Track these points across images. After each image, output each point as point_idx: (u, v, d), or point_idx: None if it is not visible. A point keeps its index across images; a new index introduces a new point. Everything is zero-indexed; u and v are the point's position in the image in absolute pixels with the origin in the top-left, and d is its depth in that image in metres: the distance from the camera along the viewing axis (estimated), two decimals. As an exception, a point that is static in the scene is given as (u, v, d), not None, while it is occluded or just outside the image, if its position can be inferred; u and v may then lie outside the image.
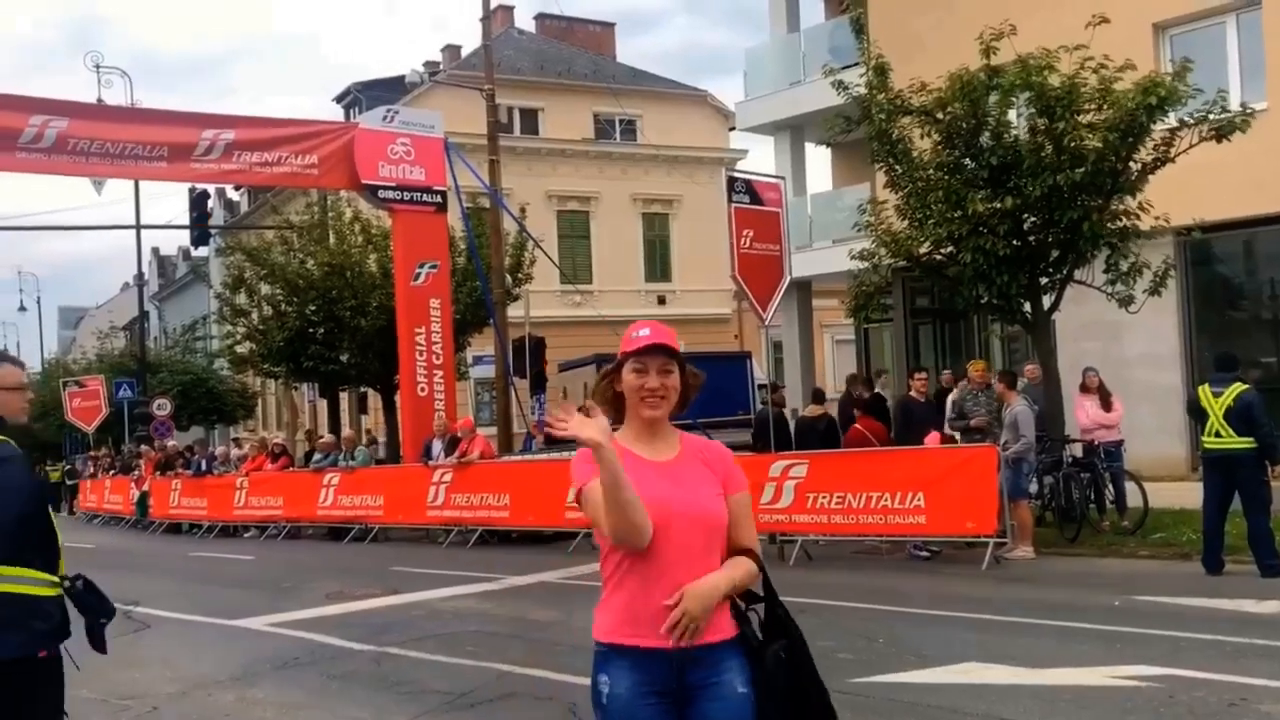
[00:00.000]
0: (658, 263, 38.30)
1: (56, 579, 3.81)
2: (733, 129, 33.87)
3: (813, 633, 8.57)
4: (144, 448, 27.56)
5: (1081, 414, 12.89)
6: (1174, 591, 8.95)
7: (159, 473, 23.87)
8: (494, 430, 21.66)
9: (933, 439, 12.05)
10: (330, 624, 9.63)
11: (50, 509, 3.95)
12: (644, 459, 2.72)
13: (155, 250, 62.97)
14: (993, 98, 12.17)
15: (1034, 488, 12.48)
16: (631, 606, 2.63)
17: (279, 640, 9.06)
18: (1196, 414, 9.99)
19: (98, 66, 28.30)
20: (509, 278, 22.96)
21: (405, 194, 19.01)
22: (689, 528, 2.65)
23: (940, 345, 20.60)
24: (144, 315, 38.53)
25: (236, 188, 41.80)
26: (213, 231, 30.67)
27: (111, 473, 28.61)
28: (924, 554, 11.73)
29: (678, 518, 2.63)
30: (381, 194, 18.94)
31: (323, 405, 30.53)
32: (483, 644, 8.40)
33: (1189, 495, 11.60)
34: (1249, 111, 12.42)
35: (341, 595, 11.30)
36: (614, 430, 2.70)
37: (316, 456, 19.40)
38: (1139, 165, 12.24)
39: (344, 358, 24.36)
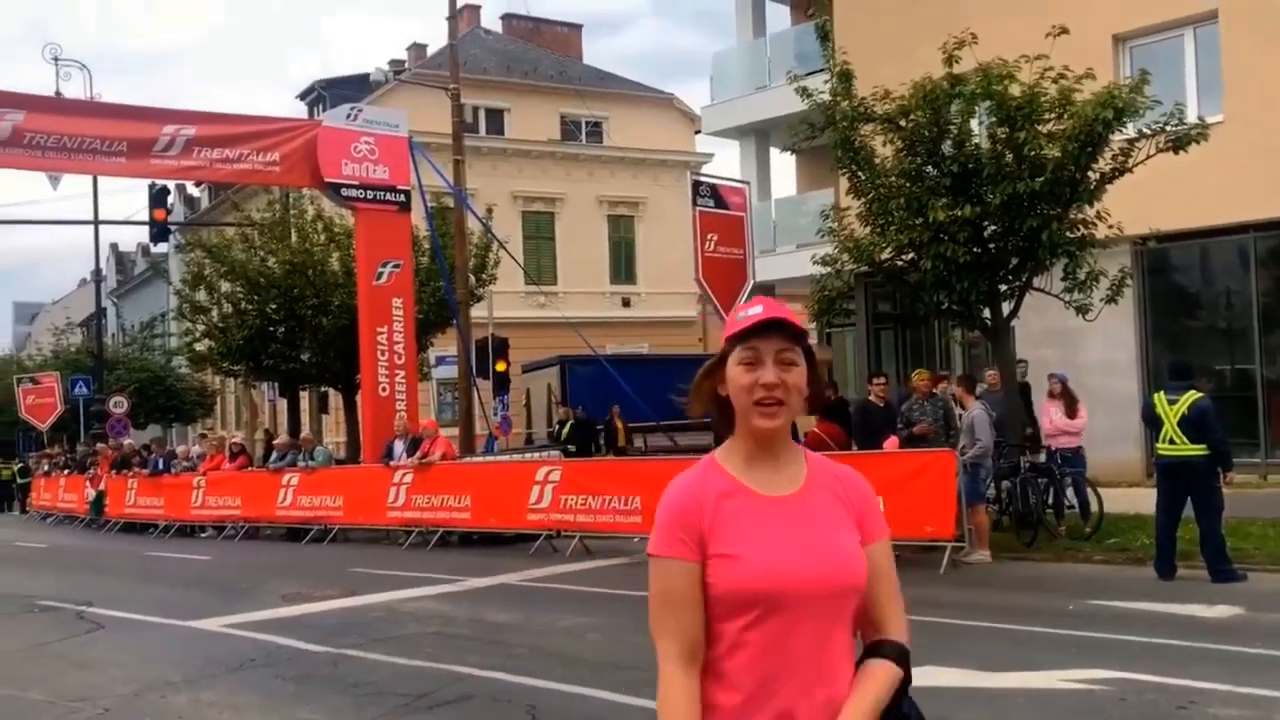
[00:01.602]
0: (623, 265, 38.35)
1: None
2: (699, 132, 34.01)
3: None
4: (100, 446, 27.18)
5: (1045, 420, 13.04)
6: (1127, 596, 9.07)
7: (115, 471, 23.55)
8: (456, 431, 21.57)
9: (892, 443, 12.14)
10: (287, 625, 9.54)
11: None
12: (758, 495, 1.97)
13: (114, 246, 62.18)
14: (954, 106, 12.29)
15: (991, 492, 12.61)
16: (745, 712, 1.92)
17: (234, 642, 8.97)
18: (1151, 421, 10.14)
19: (56, 59, 27.96)
20: (473, 278, 22.88)
21: (368, 193, 18.89)
22: (823, 600, 1.92)
23: (902, 350, 20.76)
24: (101, 311, 38.04)
25: (197, 184, 41.32)
26: (172, 228, 30.34)
27: (66, 471, 28.18)
28: (883, 557, 11.79)
29: (810, 586, 1.90)
30: (344, 192, 18.81)
31: (283, 405, 30.26)
32: (441, 646, 8.36)
33: (1144, 501, 11.76)
34: (1205, 124, 12.63)
35: (299, 596, 11.20)
36: (714, 450, 2.07)
37: (274, 456, 19.23)
38: (1097, 175, 12.41)
39: (305, 357, 24.17)
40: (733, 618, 1.92)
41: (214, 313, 25.47)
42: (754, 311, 1.99)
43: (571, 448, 19.69)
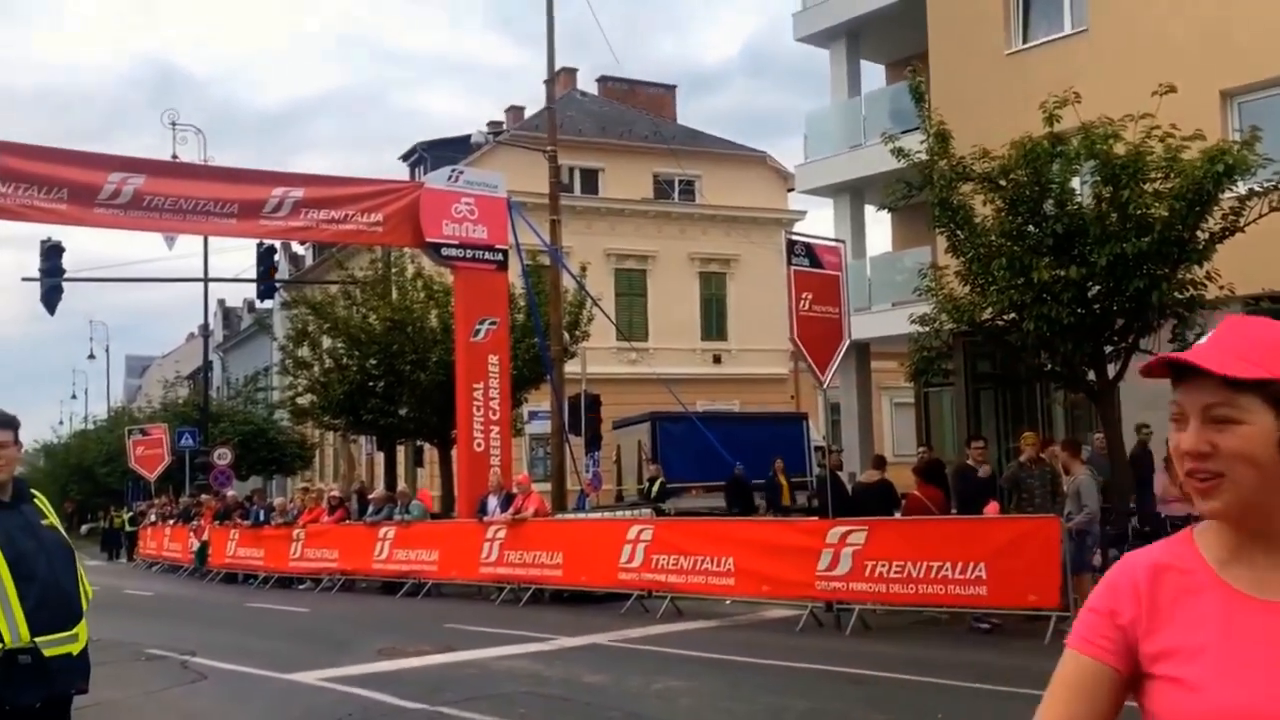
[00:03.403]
0: (714, 321, 38.37)
1: None
2: (791, 190, 34.06)
3: (869, 706, 8.43)
4: (204, 496, 27.95)
5: (1159, 485, 12.59)
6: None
7: (218, 522, 24.17)
8: (548, 487, 21.68)
9: (992, 509, 11.84)
10: (383, 680, 9.62)
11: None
12: (1238, 593, 1.40)
13: (221, 302, 64.33)
14: (1056, 165, 12.10)
15: (1099, 560, 12.18)
16: None
17: (331, 695, 9.07)
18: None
19: (173, 124, 29.26)
20: (566, 335, 23.11)
21: (468, 252, 19.28)
22: None
23: (1002, 411, 20.29)
24: (208, 365, 39.31)
25: (303, 243, 42.68)
26: (278, 285, 31.32)
27: (171, 521, 29.02)
28: (985, 626, 11.46)
29: None
30: (445, 251, 19.22)
31: (380, 458, 30.79)
32: (535, 706, 8.35)
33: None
34: (1320, 181, 12.21)
35: (394, 651, 11.30)
36: (1195, 524, 1.52)
37: (370, 509, 19.53)
38: (1206, 234, 12.08)
39: (402, 411, 24.59)
40: None
41: (316, 368, 26.10)
42: (1202, 343, 1.44)
43: (662, 506, 19.59)
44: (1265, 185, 11.90)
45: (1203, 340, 1.45)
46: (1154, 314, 12.09)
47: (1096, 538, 11.60)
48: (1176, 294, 12.12)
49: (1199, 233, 12.01)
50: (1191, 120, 12.15)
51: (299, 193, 17.98)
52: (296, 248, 49.37)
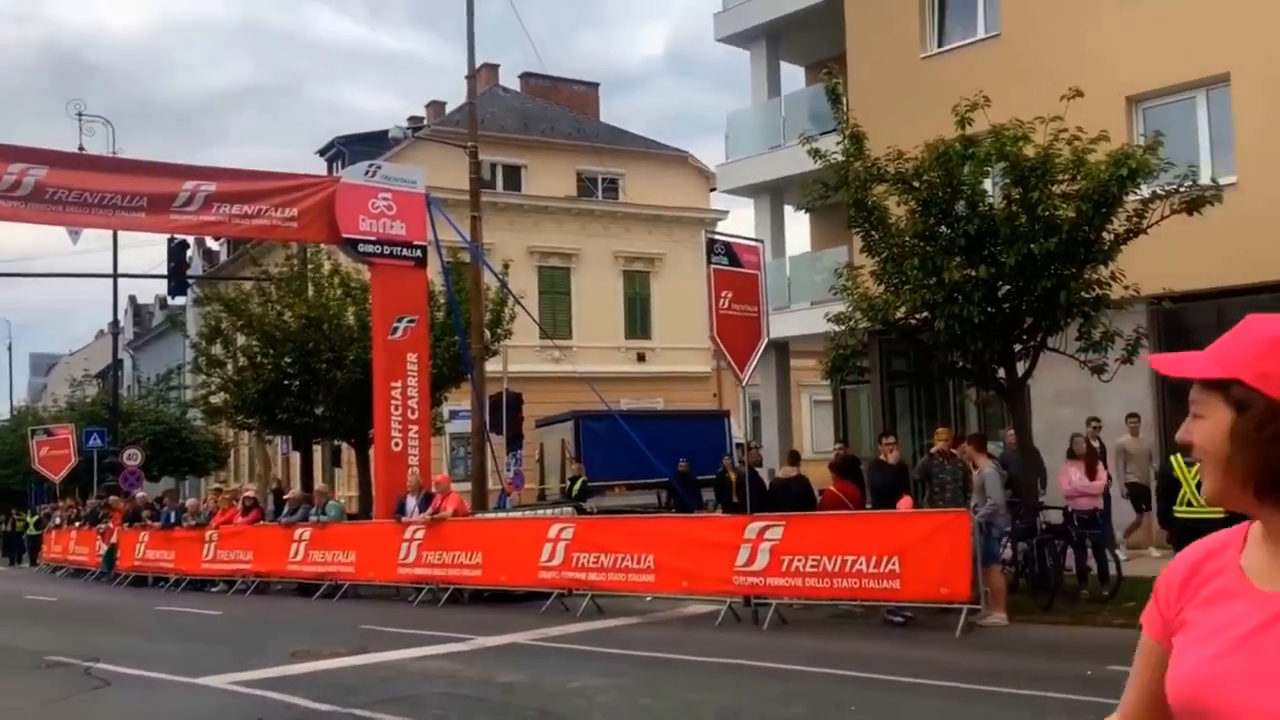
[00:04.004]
0: (638, 320, 38.45)
1: None
2: (714, 190, 34.25)
3: (784, 699, 8.51)
4: (112, 498, 27.18)
5: (1065, 480, 12.93)
6: (1147, 662, 8.90)
7: (127, 524, 23.52)
8: (469, 486, 21.51)
9: (905, 503, 12.05)
10: (295, 683, 9.44)
11: None
12: (1247, 582, 1.49)
13: (132, 298, 62.66)
14: (967, 167, 12.35)
15: (1008, 553, 12.47)
16: None
17: (241, 699, 8.89)
18: (1169, 483, 10.05)
19: (80, 114, 28.41)
20: (488, 333, 22.96)
21: (385, 248, 19.03)
22: None
23: (916, 408, 20.67)
24: (118, 364, 38.24)
25: (216, 239, 41.77)
26: (190, 281, 30.61)
27: (77, 524, 28.17)
28: (899, 619, 11.66)
29: (1228, 715, 1.41)
30: (361, 248, 18.95)
31: (296, 458, 30.26)
32: (451, 706, 8.28)
33: (1162, 564, 11.60)
34: (1219, 185, 12.65)
35: (308, 653, 11.10)
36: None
37: (285, 510, 19.19)
38: (1112, 235, 12.43)
39: (319, 410, 24.21)
40: None
41: (229, 366, 25.58)
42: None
43: (584, 505, 19.56)
44: (1167, 188, 12.29)
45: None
46: (1061, 313, 12.40)
47: (1002, 529, 11.87)
48: (1083, 293, 12.45)
49: (1104, 234, 12.35)
50: (1098, 124, 12.51)
51: (211, 187, 17.58)
52: (210, 243, 48.34)
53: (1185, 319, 16.72)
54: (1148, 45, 16.65)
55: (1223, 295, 15.92)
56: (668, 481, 21.00)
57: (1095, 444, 14.64)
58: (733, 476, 21.30)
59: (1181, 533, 9.89)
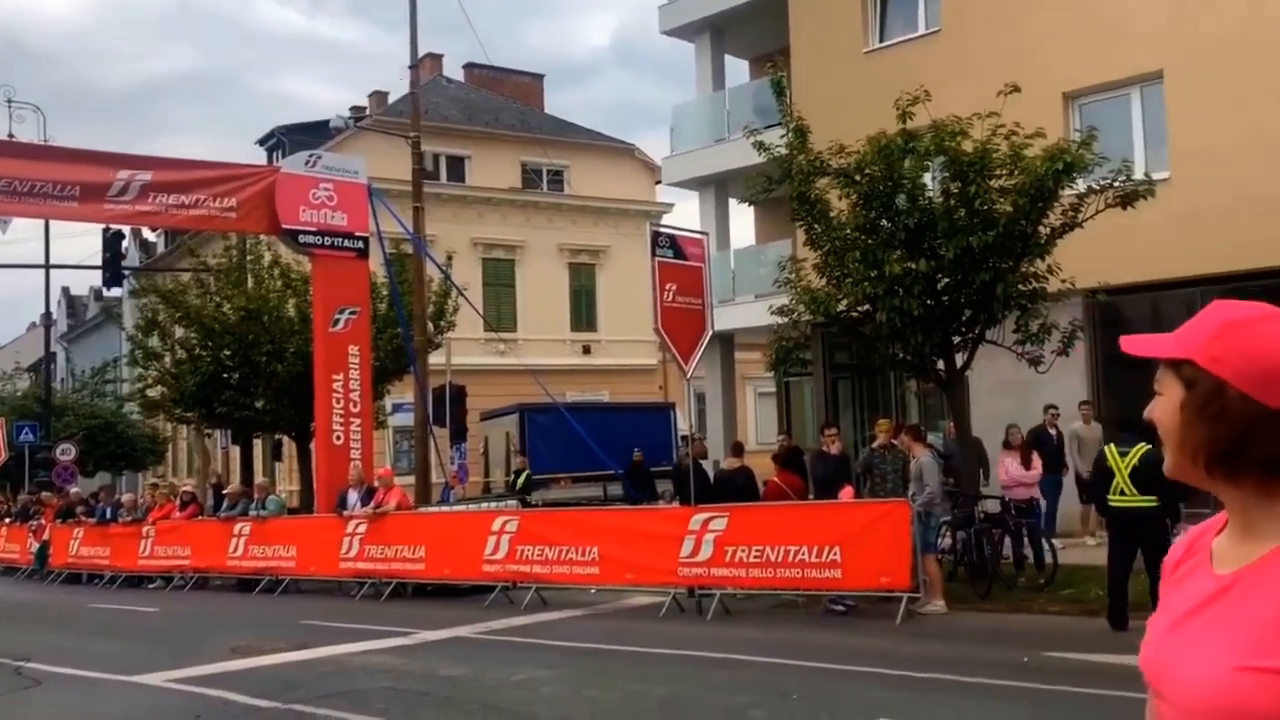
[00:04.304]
0: (583, 312, 38.38)
1: None
2: (659, 182, 34.29)
3: (727, 689, 8.57)
4: (45, 494, 26.57)
5: (1001, 470, 13.14)
6: (1081, 648, 9.10)
7: (60, 520, 23.01)
8: (412, 480, 21.35)
9: (846, 493, 12.18)
10: (234, 679, 9.33)
11: None
12: (1208, 565, 1.55)
13: (65, 290, 61.35)
14: (908, 161, 12.49)
15: (947, 542, 12.66)
16: None
17: (178, 697, 8.75)
18: (1103, 473, 10.25)
19: (9, 101, 27.70)
20: (431, 325, 22.78)
21: (326, 239, 18.80)
22: (1175, 713, 1.50)
23: (859, 400, 20.89)
24: (50, 356, 37.40)
25: (153, 229, 40.97)
26: (126, 272, 30.00)
27: (8, 520, 27.49)
28: (840, 608, 11.78)
29: (1162, 688, 1.53)
30: (302, 238, 18.71)
31: (236, 452, 29.84)
32: (393, 701, 8.21)
33: (1098, 552, 11.86)
34: (1152, 180, 12.93)
35: (248, 649, 10.96)
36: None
37: (225, 505, 18.92)
38: (1048, 229, 12.64)
39: (259, 404, 23.88)
40: None
41: (167, 359, 25.15)
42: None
43: (528, 498, 19.51)
44: (1101, 183, 12.52)
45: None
46: (999, 306, 12.59)
47: (938, 518, 12.05)
48: (1020, 286, 12.65)
49: (1041, 228, 12.55)
50: (1035, 120, 12.71)
51: (146, 176, 17.23)
52: (147, 234, 47.43)
53: (1120, 312, 17.07)
54: (1084, 43, 16.95)
55: (1156, 289, 16.29)
56: (622, 472, 20.99)
57: (1053, 431, 14.93)
58: (726, 467, 21.30)
59: (1114, 521, 10.10)
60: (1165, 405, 1.54)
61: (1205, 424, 1.47)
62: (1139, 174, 13.11)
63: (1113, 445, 10.13)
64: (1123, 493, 9.80)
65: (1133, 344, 1.58)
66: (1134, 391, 16.74)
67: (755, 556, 11.75)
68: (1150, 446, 10.04)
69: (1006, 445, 13.21)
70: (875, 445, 12.45)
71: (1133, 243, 14.61)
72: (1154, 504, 9.68)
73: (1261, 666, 1.35)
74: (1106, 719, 6.64)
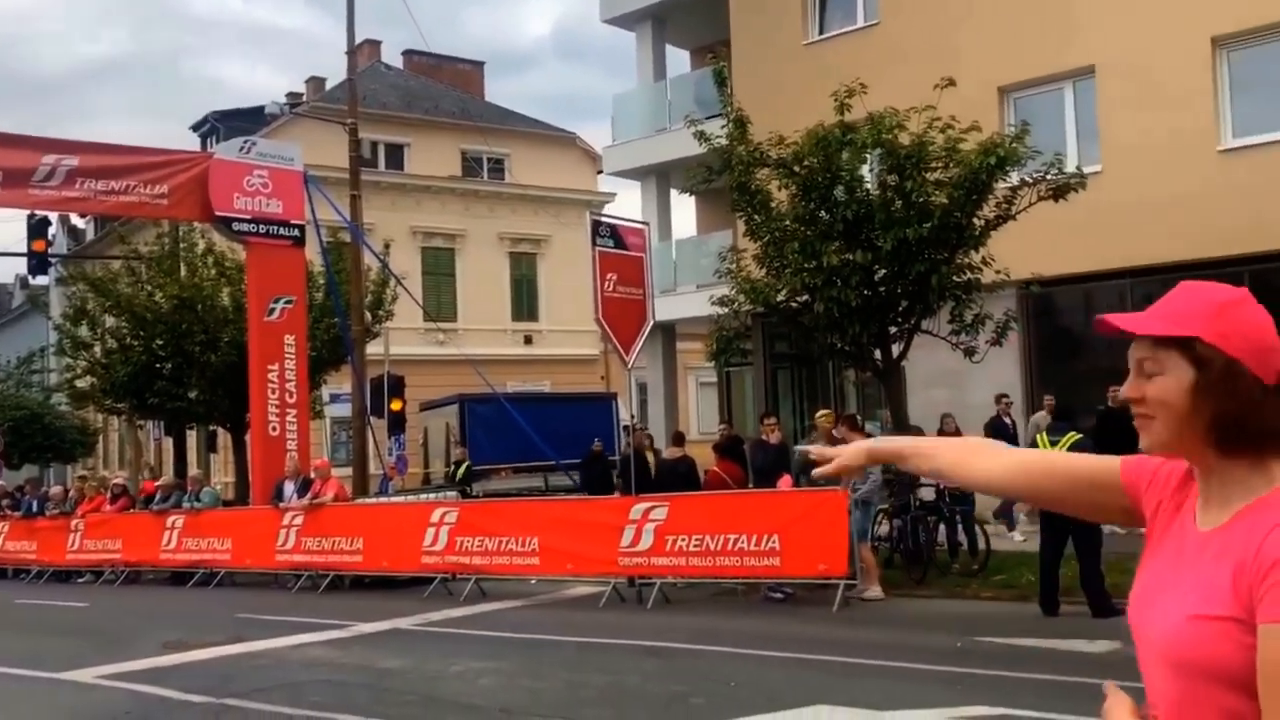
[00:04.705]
0: (525, 302, 38.19)
1: None
2: (601, 172, 34.21)
3: (666, 677, 8.59)
4: (-32, 488, 25.83)
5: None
6: (1013, 632, 9.27)
7: (-15, 514, 22.39)
8: (350, 471, 21.11)
9: (785, 482, 12.28)
10: (166, 675, 9.17)
11: None
12: (1189, 527, 1.63)
13: (-10, 277, 59.63)
14: (845, 153, 12.59)
15: (883, 530, 12.83)
16: None
17: (108, 694, 8.58)
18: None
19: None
20: (369, 315, 22.53)
21: (261, 227, 18.49)
22: (1147, 656, 1.62)
23: (798, 389, 21.06)
24: (-25, 346, 36.36)
25: (81, 215, 39.99)
26: (53, 260, 29.26)
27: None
28: (779, 595, 11.88)
29: (1139, 632, 1.64)
30: (236, 226, 18.38)
31: (169, 444, 29.29)
32: (329, 695, 8.12)
33: (1029, 539, 12.10)
34: (1084, 174, 13.18)
35: (181, 644, 10.77)
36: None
37: (158, 497, 18.56)
38: (982, 221, 12.82)
39: (192, 394, 23.48)
40: None
41: (97, 348, 24.61)
42: (1152, 306, 1.63)
43: (468, 489, 19.37)
44: (1034, 176, 12.73)
45: (1153, 303, 1.63)
46: (935, 297, 12.76)
47: (874, 506, 12.21)
48: (955, 277, 12.83)
49: (975, 220, 12.74)
50: (971, 113, 12.89)
51: (73, 161, 16.81)
52: (76, 220, 46.28)
53: (1052, 302, 17.41)
54: (1018, 37, 17.22)
55: (1087, 280, 16.63)
56: (580, 462, 20.77)
57: (1008, 420, 15.16)
58: (651, 456, 21.20)
59: (1045, 509, 10.31)
60: (1169, 384, 1.57)
61: (1218, 400, 1.53)
62: (1071, 167, 13.36)
63: (1045, 434, 10.33)
64: (1054, 480, 9.99)
65: (1122, 322, 1.61)
66: (1066, 380, 17.16)
67: (695, 545, 11.80)
68: (1081, 435, 10.28)
69: (941, 434, 13.39)
70: (815, 435, 12.54)
71: (1065, 235, 14.88)
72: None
73: (1209, 615, 1.47)
74: (1038, 701, 6.78)
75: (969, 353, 13.37)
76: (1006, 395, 15.37)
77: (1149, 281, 16.32)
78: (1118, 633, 8.84)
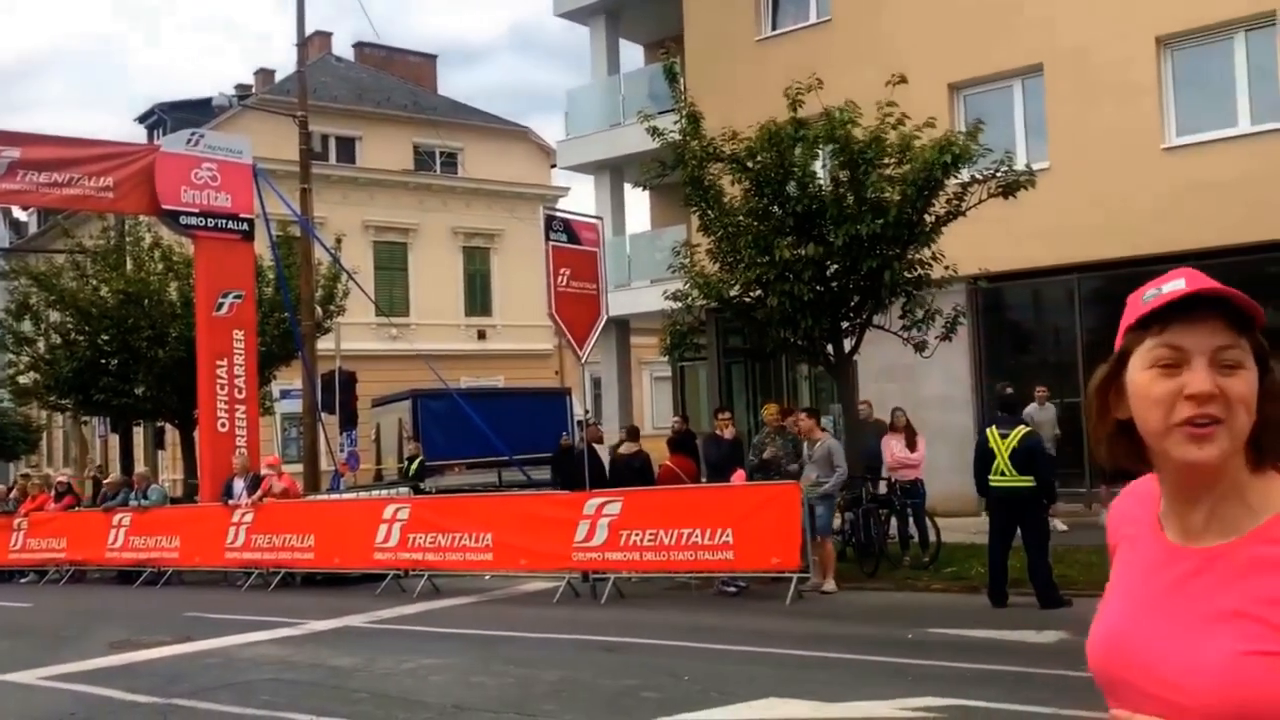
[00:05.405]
0: (478, 297, 37.97)
1: None
2: (555, 166, 34.09)
3: (619, 672, 8.60)
4: (-93, 486, 25.23)
5: (887, 452, 13.46)
6: (963, 624, 9.39)
7: (-76, 513, 21.86)
8: (301, 468, 20.89)
9: (738, 477, 12.32)
10: (113, 675, 9.02)
11: None
12: (1165, 541, 1.38)
13: (-71, 271, 58.21)
14: (798, 149, 12.64)
15: (836, 523, 12.92)
16: None
17: (52, 695, 8.42)
18: (984, 454, 10.58)
19: None
20: (319, 309, 22.29)
21: (209, 220, 18.21)
22: (1161, 707, 1.29)
23: (752, 384, 21.16)
24: (-87, 341, 35.48)
25: (23, 208, 39.17)
26: (-5, 253, 28.62)
27: None
28: (732, 589, 11.93)
29: (1126, 675, 1.35)
30: (183, 220, 18.08)
31: (115, 441, 28.79)
32: (279, 693, 8.04)
33: (980, 531, 12.25)
34: (1033, 171, 13.35)
35: (128, 644, 10.60)
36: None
37: (104, 495, 18.25)
38: (933, 217, 12.95)
39: (139, 390, 23.09)
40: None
41: (40, 344, 24.14)
42: (1175, 286, 1.31)
43: (422, 485, 19.24)
44: (985, 173, 12.88)
45: (1180, 284, 1.32)
46: (886, 292, 12.86)
47: (833, 499, 12.29)
48: (906, 273, 12.94)
49: (927, 216, 12.86)
50: (923, 109, 13.00)
51: (14, 153, 16.44)
52: (18, 213, 45.31)
53: (1000, 298, 17.64)
54: (969, 35, 17.41)
55: (1036, 275, 16.87)
56: (550, 457, 20.60)
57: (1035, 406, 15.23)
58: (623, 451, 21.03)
59: (994, 501, 10.45)
60: (1252, 380, 1.28)
61: (1275, 401, 1.29)
62: (1020, 164, 13.52)
63: (994, 428, 10.46)
64: (1003, 473, 10.13)
65: (1236, 297, 1.30)
66: (1015, 374, 17.38)
67: (649, 540, 11.82)
68: (1030, 429, 10.45)
69: (892, 428, 13.52)
70: (767, 429, 12.61)
71: (1013, 231, 15.07)
72: (1031, 484, 10.05)
73: (1261, 654, 1.22)
74: (987, 691, 6.87)
75: (919, 347, 13.50)
76: (1043, 388, 15.18)
77: (1094, 277, 16.60)
78: (1065, 623, 8.99)
